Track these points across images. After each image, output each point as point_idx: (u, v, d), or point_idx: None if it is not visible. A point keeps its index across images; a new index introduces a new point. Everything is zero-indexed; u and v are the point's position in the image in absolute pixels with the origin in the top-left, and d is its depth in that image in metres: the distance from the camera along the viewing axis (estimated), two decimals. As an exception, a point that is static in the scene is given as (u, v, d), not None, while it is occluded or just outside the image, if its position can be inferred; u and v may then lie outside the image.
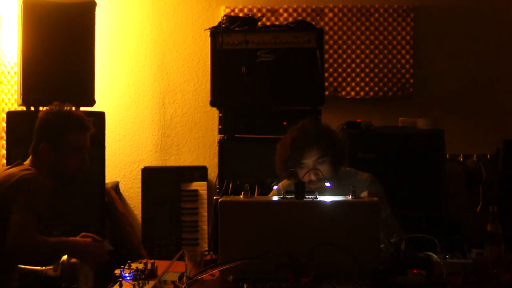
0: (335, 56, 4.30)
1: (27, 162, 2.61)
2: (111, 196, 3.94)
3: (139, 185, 4.16)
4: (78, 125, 2.63)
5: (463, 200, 3.93)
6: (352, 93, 4.31)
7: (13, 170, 2.53)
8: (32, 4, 3.47)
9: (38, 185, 2.43)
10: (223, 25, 3.60)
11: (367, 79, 4.30)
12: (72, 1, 3.54)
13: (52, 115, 2.62)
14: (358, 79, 4.30)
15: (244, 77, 3.52)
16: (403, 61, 4.31)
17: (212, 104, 3.62)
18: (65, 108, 2.65)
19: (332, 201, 2.22)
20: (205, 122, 4.39)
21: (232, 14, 4.22)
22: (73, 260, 2.43)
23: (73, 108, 2.71)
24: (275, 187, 2.61)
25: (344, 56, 4.31)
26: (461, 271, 2.13)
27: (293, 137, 2.73)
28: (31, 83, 3.47)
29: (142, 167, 4.17)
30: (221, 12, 4.29)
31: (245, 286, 2.07)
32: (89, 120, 2.67)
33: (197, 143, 4.40)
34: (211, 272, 2.16)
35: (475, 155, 4.07)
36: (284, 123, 3.40)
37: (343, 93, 4.31)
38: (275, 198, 2.28)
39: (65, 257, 2.50)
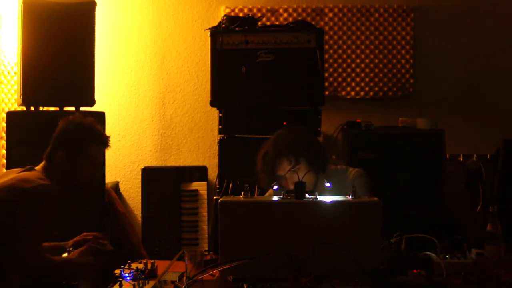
0: (335, 56, 4.30)
1: (39, 167, 2.60)
2: (111, 196, 3.94)
3: (139, 185, 4.16)
4: (98, 138, 2.67)
5: (463, 200, 3.93)
6: (352, 93, 4.31)
7: (29, 175, 2.51)
8: (32, 4, 3.46)
9: (52, 198, 2.43)
10: (223, 25, 3.60)
11: (367, 79, 4.30)
12: (72, 1, 3.53)
13: (74, 124, 2.64)
14: (358, 79, 4.30)
15: (244, 77, 3.52)
16: (403, 61, 4.31)
17: (212, 104, 3.62)
18: (87, 120, 2.68)
19: (332, 201, 2.22)
20: (205, 122, 4.39)
21: (232, 14, 4.22)
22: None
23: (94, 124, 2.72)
24: (274, 187, 2.62)
25: (344, 56, 4.31)
26: (461, 271, 2.13)
27: (264, 152, 2.80)
28: (31, 83, 3.47)
29: (142, 167, 4.17)
30: (221, 12, 4.29)
31: (245, 286, 2.07)
32: (108, 136, 2.72)
33: (197, 143, 4.40)
34: (211, 272, 2.16)
35: (475, 155, 4.07)
36: (284, 123, 3.40)
37: (343, 93, 4.31)
38: (275, 198, 2.28)
39: (65, 255, 2.51)
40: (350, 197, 2.23)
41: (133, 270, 2.23)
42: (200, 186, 4.10)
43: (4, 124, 3.54)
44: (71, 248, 2.58)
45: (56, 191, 2.47)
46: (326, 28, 4.26)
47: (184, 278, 2.15)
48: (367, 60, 4.30)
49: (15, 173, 2.55)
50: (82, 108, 3.53)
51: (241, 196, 2.27)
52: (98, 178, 2.75)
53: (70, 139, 2.61)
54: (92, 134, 2.64)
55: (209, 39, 3.60)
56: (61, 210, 2.52)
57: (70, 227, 2.88)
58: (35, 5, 3.47)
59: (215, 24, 3.68)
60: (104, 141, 2.69)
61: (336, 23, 4.30)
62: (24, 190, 2.40)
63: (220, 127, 3.62)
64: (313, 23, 4.01)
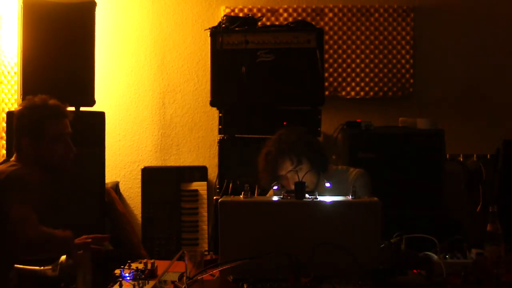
0: (335, 56, 4.30)
1: (13, 159, 2.62)
2: (111, 196, 3.94)
3: (139, 185, 4.16)
4: (54, 113, 2.62)
5: (463, 200, 3.93)
6: (352, 93, 4.31)
7: (1, 167, 2.53)
8: (32, 4, 3.47)
9: (27, 177, 2.44)
10: (223, 25, 3.59)
11: (367, 79, 4.30)
12: (72, 1, 3.54)
13: (26, 109, 2.63)
14: (358, 79, 4.30)
15: (244, 77, 3.52)
16: (403, 61, 4.31)
17: (212, 104, 3.62)
18: (39, 99, 2.64)
19: (332, 201, 2.22)
20: (205, 122, 4.39)
21: (232, 14, 4.22)
22: (72, 259, 2.43)
23: (48, 100, 2.68)
24: (274, 187, 2.62)
25: (344, 56, 4.31)
26: (461, 271, 2.13)
27: (266, 151, 2.80)
28: (31, 83, 3.46)
29: (142, 167, 4.17)
30: (221, 12, 4.29)
31: (245, 286, 2.07)
32: (64, 106, 2.66)
33: (197, 143, 4.40)
34: (211, 272, 2.16)
35: (475, 155, 4.07)
36: (284, 123, 3.41)
37: (343, 93, 4.31)
38: (275, 198, 2.28)
39: (63, 257, 2.51)
40: (350, 197, 2.23)
41: (133, 270, 2.23)
42: (200, 186, 4.10)
43: (4, 124, 3.54)
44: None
45: (28, 170, 2.48)
46: (326, 28, 4.26)
47: (184, 278, 2.15)
48: (367, 60, 4.31)
49: None
50: (82, 108, 3.53)
51: (241, 196, 2.27)
52: (74, 151, 2.67)
53: (26, 124, 2.60)
54: (45, 111, 2.60)
55: (209, 39, 3.60)
56: (50, 192, 2.50)
57: (70, 228, 2.87)
58: (35, 5, 3.47)
59: (215, 24, 3.68)
60: (60, 113, 2.64)
61: (336, 23, 4.30)
62: (3, 178, 2.43)
63: (220, 127, 3.62)
64: (313, 23, 4.01)
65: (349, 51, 4.31)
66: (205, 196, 4.09)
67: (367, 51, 4.30)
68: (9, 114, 3.49)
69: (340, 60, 4.31)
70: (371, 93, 4.30)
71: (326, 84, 4.16)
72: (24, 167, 2.50)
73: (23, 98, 3.47)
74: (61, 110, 2.64)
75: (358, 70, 4.30)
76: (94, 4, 3.60)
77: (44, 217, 2.42)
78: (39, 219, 2.39)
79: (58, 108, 2.64)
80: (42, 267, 2.48)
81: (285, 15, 4.29)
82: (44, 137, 2.58)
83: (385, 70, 4.30)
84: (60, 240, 2.40)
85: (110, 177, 4.01)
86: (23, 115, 2.62)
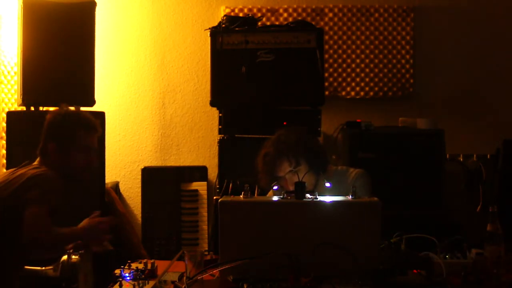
0: (335, 56, 4.30)
1: (36, 162, 2.63)
2: (111, 196, 3.94)
3: (139, 185, 4.16)
4: (86, 125, 2.66)
5: (463, 200, 3.93)
6: (352, 93, 4.31)
7: (23, 170, 2.55)
8: (32, 4, 3.46)
9: (49, 180, 2.47)
10: (223, 25, 3.60)
11: (367, 79, 4.30)
12: (72, 1, 3.54)
13: (60, 115, 2.66)
14: (358, 79, 4.30)
15: (244, 77, 3.52)
16: (403, 61, 4.31)
17: (212, 104, 3.62)
18: (73, 109, 2.71)
19: (332, 201, 2.22)
20: (205, 122, 4.39)
21: (232, 14, 4.22)
22: (74, 259, 2.43)
23: (80, 110, 2.76)
24: (274, 187, 2.62)
25: (344, 56, 4.31)
26: (461, 271, 2.13)
27: (265, 152, 2.79)
28: (31, 83, 3.47)
29: (142, 167, 4.17)
30: (221, 12, 4.29)
31: (245, 286, 2.07)
32: (97, 121, 2.71)
33: (197, 143, 4.40)
34: (211, 272, 2.16)
35: (475, 155, 4.06)
36: (284, 123, 3.41)
37: (343, 93, 4.31)
38: (275, 198, 2.28)
39: (65, 257, 2.50)
40: (350, 197, 2.23)
41: (133, 270, 2.23)
42: (200, 186, 4.10)
43: (4, 124, 3.54)
44: (71, 251, 2.58)
45: (51, 173, 2.50)
46: (326, 28, 4.26)
47: (184, 278, 2.15)
48: (367, 60, 4.31)
49: (11, 172, 2.58)
50: (82, 108, 3.53)
51: (241, 196, 2.27)
52: (96, 166, 2.72)
53: (58, 130, 2.62)
54: (79, 121, 2.64)
55: (209, 39, 3.60)
56: (64, 197, 2.52)
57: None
58: (35, 5, 3.47)
59: (215, 24, 3.68)
60: (92, 127, 2.67)
61: (336, 23, 4.30)
62: (21, 183, 2.44)
63: (220, 127, 3.62)
64: (313, 23, 4.01)
65: (349, 51, 4.31)
66: (205, 196, 4.09)
67: (367, 51, 4.30)
68: (9, 114, 3.49)
69: (340, 60, 4.31)
70: (371, 93, 4.30)
71: (326, 84, 4.15)
72: (48, 171, 2.51)
73: (23, 98, 3.48)
74: (93, 124, 2.68)
75: (358, 70, 4.30)
76: (94, 4, 3.60)
77: (54, 220, 2.44)
78: (54, 221, 2.41)
79: (91, 122, 2.68)
80: (43, 267, 2.48)
81: (285, 15, 4.30)
82: (72, 147, 2.61)
83: (385, 70, 4.30)
84: (68, 237, 2.42)
85: (110, 177, 4.01)
86: (56, 121, 2.64)
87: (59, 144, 2.59)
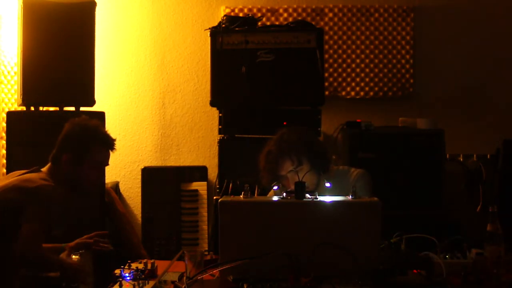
0: (335, 56, 4.30)
1: (45, 169, 2.61)
2: (111, 196, 3.94)
3: (139, 185, 4.16)
4: (103, 141, 2.67)
5: (463, 200, 3.93)
6: (352, 93, 4.31)
7: (33, 176, 2.53)
8: (32, 4, 3.46)
9: (53, 198, 2.45)
10: (223, 25, 3.59)
11: (367, 79, 4.30)
12: (72, 1, 3.54)
13: (80, 127, 2.64)
14: (358, 79, 4.30)
15: (244, 77, 3.52)
16: (403, 61, 4.31)
17: (212, 104, 3.62)
18: (92, 122, 2.69)
19: (332, 201, 2.22)
20: (205, 122, 4.39)
21: (232, 14, 4.22)
22: (74, 259, 2.43)
23: (101, 127, 2.74)
24: (275, 187, 2.62)
25: (344, 56, 4.31)
26: (461, 271, 2.13)
27: (267, 150, 2.79)
28: (31, 83, 3.47)
29: (142, 167, 4.17)
30: (221, 12, 4.29)
31: (245, 286, 2.07)
32: (114, 139, 2.71)
33: (197, 143, 4.40)
34: (211, 272, 2.16)
35: (475, 155, 4.07)
36: (284, 123, 3.40)
37: (343, 93, 4.31)
38: (275, 198, 2.28)
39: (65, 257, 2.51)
40: (350, 197, 2.23)
41: (133, 270, 2.23)
42: (200, 186, 4.10)
43: (4, 124, 3.54)
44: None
45: (58, 192, 2.49)
46: (326, 28, 4.26)
47: (184, 278, 2.15)
48: (367, 60, 4.31)
49: (20, 174, 2.56)
50: (82, 108, 3.54)
51: (241, 196, 2.27)
52: (103, 181, 2.75)
53: (75, 143, 2.61)
54: (97, 137, 2.65)
55: (209, 39, 3.60)
56: (63, 210, 2.53)
57: (71, 227, 2.87)
58: (35, 5, 3.47)
59: (215, 24, 3.68)
60: (109, 144, 2.68)
61: (336, 23, 4.30)
62: (27, 189, 2.42)
63: (220, 127, 3.62)
64: (313, 23, 4.01)
65: (349, 51, 4.31)
66: (205, 196, 4.09)
67: (367, 51, 4.30)
68: (9, 114, 3.49)
69: (340, 60, 4.31)
70: (371, 93, 4.30)
71: (326, 84, 4.15)
72: (54, 186, 2.49)
73: (23, 98, 3.48)
74: (110, 141, 2.69)
75: (358, 70, 4.30)
76: (94, 4, 3.60)
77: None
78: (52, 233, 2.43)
79: (108, 138, 2.69)
80: None
81: (285, 15, 4.30)
82: (86, 161, 2.60)
83: (385, 70, 4.30)
84: (57, 267, 2.44)
85: (110, 177, 4.01)
86: (75, 132, 2.63)
87: (73, 156, 2.58)
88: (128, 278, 2.17)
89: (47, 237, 2.44)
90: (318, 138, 3.16)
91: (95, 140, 2.63)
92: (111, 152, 2.72)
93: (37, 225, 2.35)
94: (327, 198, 2.23)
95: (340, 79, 4.31)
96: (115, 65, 4.37)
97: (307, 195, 2.23)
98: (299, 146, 2.74)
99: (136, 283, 2.10)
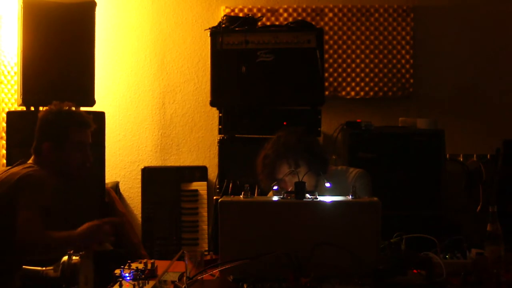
0: (335, 56, 4.30)
1: (30, 161, 2.64)
2: (111, 196, 3.94)
3: (139, 185, 4.16)
4: (79, 122, 2.68)
5: (463, 200, 3.93)
6: (352, 93, 4.31)
7: (16, 169, 2.56)
8: (32, 4, 3.46)
9: (41, 180, 2.48)
10: (223, 25, 3.60)
11: (367, 79, 4.30)
12: (72, 1, 3.53)
13: (53, 114, 2.66)
14: (358, 79, 4.30)
15: (244, 77, 3.52)
16: (403, 61, 4.31)
17: (212, 104, 3.62)
18: (65, 107, 2.69)
19: (332, 201, 2.22)
20: (205, 122, 4.39)
21: (232, 14, 4.22)
22: (74, 260, 2.43)
23: (73, 107, 2.76)
24: (274, 188, 2.62)
25: (344, 56, 4.31)
26: (461, 271, 2.13)
27: (264, 154, 2.79)
28: (31, 83, 3.47)
29: (142, 167, 4.17)
30: (221, 12, 4.29)
31: (245, 286, 2.07)
32: (89, 117, 2.72)
33: (197, 143, 4.40)
34: (211, 272, 2.16)
35: (475, 155, 4.07)
36: (284, 123, 3.41)
37: (343, 93, 4.31)
38: (275, 198, 2.28)
39: (65, 257, 2.50)
40: (350, 197, 2.23)
41: (133, 270, 2.22)
42: (200, 186, 4.10)
43: (4, 124, 3.54)
44: (71, 252, 2.58)
45: (46, 175, 2.51)
46: (326, 28, 4.26)
47: (184, 278, 2.15)
48: (367, 60, 4.31)
49: (5, 170, 2.60)
50: (82, 108, 3.53)
51: (241, 196, 2.27)
52: (91, 162, 2.73)
53: (51, 129, 2.63)
54: (72, 119, 2.66)
55: (209, 39, 3.60)
56: (59, 197, 2.53)
57: (71, 228, 2.87)
58: (35, 5, 3.47)
59: (215, 24, 3.68)
60: (85, 123, 2.69)
61: (336, 23, 4.30)
62: (13, 181, 2.45)
63: (220, 127, 3.62)
64: (313, 23, 4.01)
65: (349, 51, 4.31)
66: (205, 196, 4.09)
67: (367, 51, 4.30)
68: (9, 114, 3.49)
69: (340, 60, 4.31)
70: (371, 93, 4.30)
71: (326, 84, 4.15)
72: (40, 170, 2.52)
73: (23, 98, 3.48)
74: (86, 120, 2.70)
75: (358, 70, 4.30)
76: (94, 4, 3.60)
77: (52, 220, 2.43)
78: (48, 221, 2.41)
79: (84, 118, 2.70)
80: (44, 268, 2.48)
81: (285, 15, 4.30)
82: (66, 145, 2.62)
83: (385, 70, 4.30)
84: (63, 242, 2.41)
85: (110, 177, 4.01)
86: (49, 120, 2.65)
87: (53, 142, 2.60)
88: (128, 278, 2.17)
89: (47, 222, 2.43)
90: (316, 139, 3.14)
91: (71, 122, 2.65)
92: (90, 131, 2.71)
93: (30, 211, 2.35)
94: (327, 198, 2.23)
95: (340, 79, 4.31)
96: (115, 65, 4.37)
97: (307, 195, 2.23)
98: (296, 149, 2.74)
99: (136, 283, 2.10)
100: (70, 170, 2.64)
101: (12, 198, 2.39)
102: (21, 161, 2.63)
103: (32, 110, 3.50)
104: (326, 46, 4.18)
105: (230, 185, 3.44)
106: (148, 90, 4.40)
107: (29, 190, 2.41)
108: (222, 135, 3.62)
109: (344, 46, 4.31)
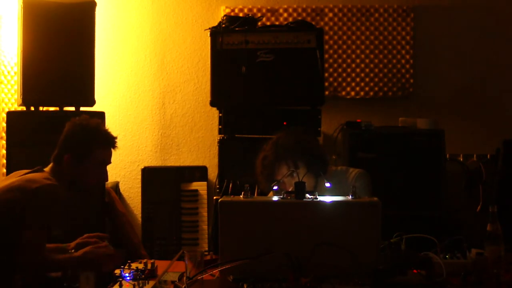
0: (335, 56, 4.30)
1: (48, 169, 2.60)
2: (111, 196, 3.94)
3: (139, 185, 4.16)
4: (105, 141, 2.66)
5: (463, 200, 3.93)
6: (352, 93, 4.31)
7: (36, 176, 2.51)
8: (32, 4, 3.46)
9: (56, 197, 2.44)
10: (223, 25, 3.60)
11: (367, 79, 4.30)
12: (72, 1, 3.54)
13: (80, 127, 2.63)
14: (358, 79, 4.30)
15: (244, 77, 3.52)
16: (403, 61, 4.31)
17: (212, 104, 3.62)
18: (93, 122, 2.67)
19: (332, 201, 2.22)
20: (205, 122, 4.39)
21: (232, 14, 4.22)
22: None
23: (100, 124, 2.72)
24: (275, 188, 2.61)
25: (344, 56, 4.31)
26: (461, 271, 2.13)
27: (263, 155, 2.79)
28: (31, 83, 3.47)
29: (142, 167, 4.17)
30: (221, 12, 4.29)
31: (245, 286, 2.07)
32: (115, 137, 2.70)
33: (197, 143, 4.40)
34: (211, 272, 2.17)
35: (475, 155, 4.07)
36: (284, 123, 3.41)
37: (343, 93, 4.31)
38: (275, 198, 2.28)
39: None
40: (350, 197, 2.23)
41: (133, 270, 2.23)
42: (200, 186, 4.10)
43: (4, 124, 3.54)
44: (72, 250, 2.58)
45: (62, 192, 2.48)
46: (326, 28, 4.26)
47: (184, 278, 2.15)
48: (367, 60, 4.31)
49: (23, 174, 2.55)
50: (82, 108, 3.54)
51: (241, 196, 2.27)
52: (106, 179, 2.74)
53: (76, 143, 2.60)
54: (98, 137, 2.63)
55: (209, 39, 3.60)
56: (64, 210, 2.52)
57: (71, 228, 2.87)
58: (35, 5, 3.47)
59: (215, 24, 3.68)
60: (111, 143, 2.68)
61: (336, 23, 4.30)
62: (30, 190, 2.40)
63: (220, 127, 3.62)
64: (313, 23, 4.01)
65: (349, 51, 4.31)
66: (205, 196, 4.09)
67: (367, 51, 4.30)
68: (9, 114, 3.49)
69: (340, 60, 4.31)
70: (371, 93, 4.30)
71: (326, 84, 4.15)
72: (58, 186, 2.47)
73: (23, 98, 3.47)
74: (111, 140, 2.68)
75: (358, 70, 4.30)
76: (94, 4, 3.60)
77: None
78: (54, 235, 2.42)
79: (109, 137, 2.68)
80: None
81: (285, 15, 4.30)
82: (88, 162, 2.60)
83: (385, 70, 4.30)
84: (63, 266, 2.41)
85: (110, 177, 3.95)
86: (76, 133, 2.62)
87: (74, 157, 2.57)
88: (128, 278, 2.17)
89: (47, 237, 2.44)
90: (315, 140, 3.13)
91: (96, 140, 2.63)
92: (113, 150, 2.71)
93: (38, 232, 2.34)
94: (327, 198, 2.23)
95: (340, 79, 4.31)
96: (115, 65, 4.37)
97: (307, 195, 2.23)
98: (295, 151, 2.74)
99: (136, 283, 2.10)
100: (86, 186, 2.63)
101: (25, 206, 2.36)
102: (39, 168, 2.59)
103: (32, 110, 3.50)
104: (326, 46, 4.19)
105: (230, 185, 3.44)
106: (148, 90, 4.40)
107: (43, 207, 2.38)
108: (222, 135, 3.62)
109: (344, 46, 4.31)
